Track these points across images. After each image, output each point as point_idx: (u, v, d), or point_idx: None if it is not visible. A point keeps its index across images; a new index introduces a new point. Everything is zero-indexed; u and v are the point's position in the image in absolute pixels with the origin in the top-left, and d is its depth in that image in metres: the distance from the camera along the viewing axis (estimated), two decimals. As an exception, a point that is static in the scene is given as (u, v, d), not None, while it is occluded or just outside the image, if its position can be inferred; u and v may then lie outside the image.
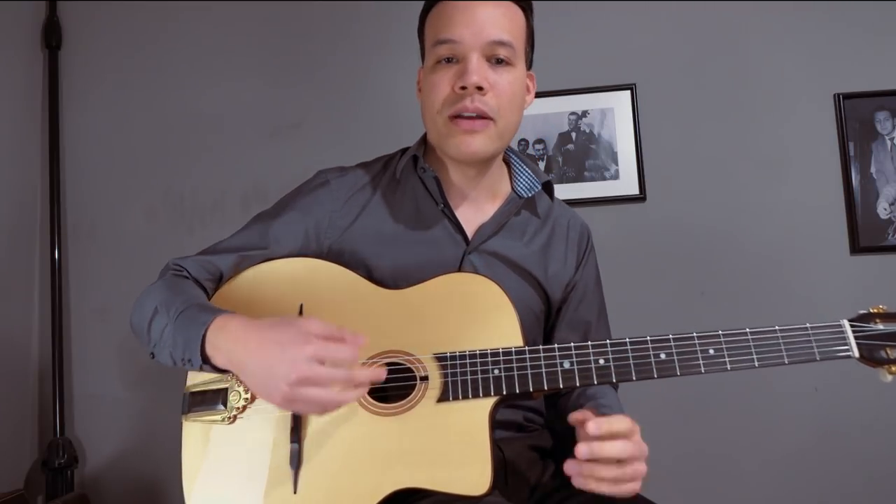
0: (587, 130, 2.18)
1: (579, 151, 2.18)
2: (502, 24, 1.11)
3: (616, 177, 2.16)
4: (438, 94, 1.12)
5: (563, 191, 2.11)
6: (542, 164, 2.17)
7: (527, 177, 1.25)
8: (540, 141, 2.17)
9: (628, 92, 2.17)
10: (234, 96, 2.29)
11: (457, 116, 1.11)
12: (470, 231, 1.21)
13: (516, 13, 1.15)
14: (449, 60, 1.12)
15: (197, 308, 1.00)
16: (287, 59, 2.30)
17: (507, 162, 1.29)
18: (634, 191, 2.15)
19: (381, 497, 0.98)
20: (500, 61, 1.12)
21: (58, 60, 2.32)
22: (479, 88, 1.09)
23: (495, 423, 1.03)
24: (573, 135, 2.18)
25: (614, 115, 2.17)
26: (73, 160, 2.31)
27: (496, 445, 1.09)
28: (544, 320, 1.27)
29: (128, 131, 2.31)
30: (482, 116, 1.11)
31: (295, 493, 1.01)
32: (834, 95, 2.10)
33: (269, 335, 0.92)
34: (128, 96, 2.31)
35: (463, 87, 1.09)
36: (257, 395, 0.94)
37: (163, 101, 2.31)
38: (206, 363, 0.98)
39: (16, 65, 2.23)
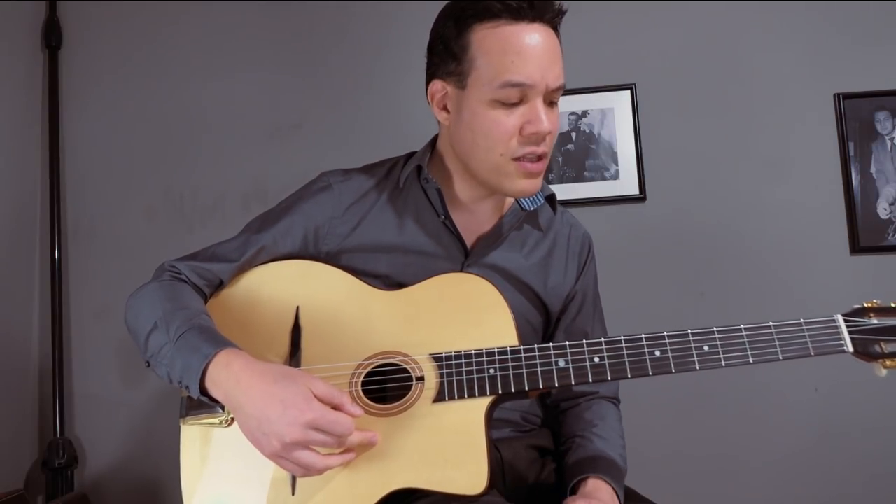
0: (587, 130, 2.18)
1: (579, 151, 2.18)
2: (560, 64, 1.07)
3: (616, 177, 2.16)
4: (502, 136, 1.06)
5: (563, 191, 2.11)
6: (541, 164, 2.17)
7: None
8: (540, 141, 2.17)
9: (628, 92, 2.17)
10: (234, 96, 2.29)
11: (521, 159, 1.08)
12: (470, 242, 1.20)
13: (558, 44, 1.10)
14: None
15: (198, 332, 1.00)
16: (287, 59, 2.30)
17: None
18: (634, 191, 2.14)
19: (378, 498, 0.98)
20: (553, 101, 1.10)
21: (58, 60, 2.32)
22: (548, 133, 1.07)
23: (493, 423, 1.03)
24: (573, 135, 2.18)
25: (614, 115, 2.17)
26: (73, 160, 2.31)
27: (493, 445, 1.10)
28: (542, 331, 1.27)
29: (128, 131, 2.31)
30: (543, 156, 1.10)
31: (293, 494, 1.01)
32: (834, 95, 2.10)
33: (273, 390, 0.92)
34: (128, 96, 2.32)
35: (533, 133, 1.05)
36: (248, 439, 0.95)
37: (163, 101, 2.31)
38: (203, 394, 0.98)
39: (16, 65, 2.23)
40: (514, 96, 1.05)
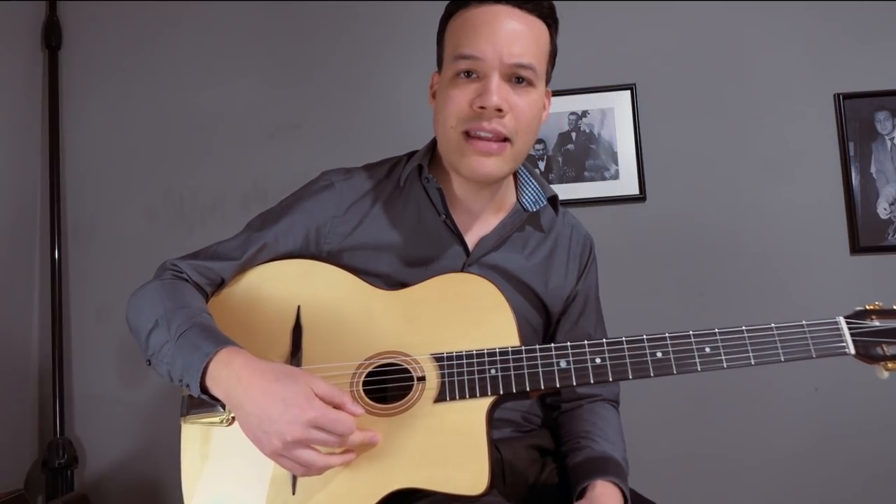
0: (587, 130, 2.18)
1: (579, 151, 2.18)
2: (526, 44, 1.07)
3: (616, 177, 2.16)
4: (454, 109, 1.09)
5: (563, 191, 2.11)
6: (541, 165, 2.17)
7: (533, 190, 1.23)
8: (540, 141, 2.17)
9: (628, 92, 2.17)
10: (234, 96, 2.29)
11: (472, 136, 1.09)
12: (471, 242, 1.20)
13: (542, 31, 1.11)
14: (468, 74, 1.08)
15: (199, 330, 1.00)
16: (287, 59, 2.30)
17: (513, 174, 1.26)
18: (634, 191, 2.14)
19: (379, 497, 0.98)
20: (520, 80, 1.09)
21: (58, 60, 2.32)
22: (499, 110, 1.07)
23: (494, 423, 1.03)
24: (573, 135, 2.18)
25: (614, 115, 2.17)
26: (73, 160, 2.31)
27: (494, 445, 1.10)
28: (543, 332, 1.27)
29: (128, 131, 2.31)
30: (499, 138, 1.09)
31: (294, 494, 1.01)
32: (834, 95, 2.10)
33: (275, 388, 0.92)
34: (128, 96, 2.32)
35: (482, 107, 1.06)
36: (248, 437, 0.95)
37: (163, 102, 2.31)
38: (203, 392, 0.98)
39: (16, 65, 2.23)
40: (464, 67, 1.08)
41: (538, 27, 1.10)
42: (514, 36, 1.07)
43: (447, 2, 1.16)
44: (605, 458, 1.14)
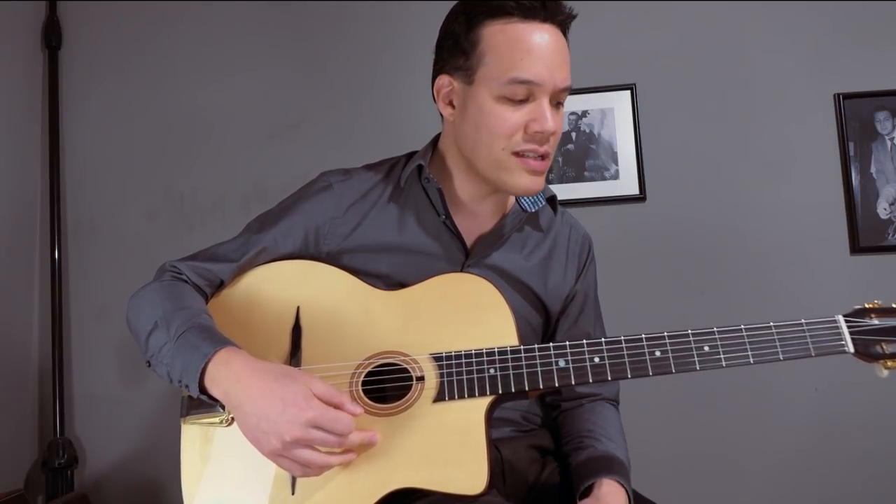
0: (587, 130, 2.18)
1: (579, 151, 2.18)
2: (568, 67, 1.09)
3: (616, 177, 2.16)
4: (506, 132, 1.07)
5: (563, 191, 2.11)
6: (541, 164, 2.17)
7: None
8: (540, 141, 2.17)
9: (628, 92, 2.17)
10: (234, 96, 2.29)
11: (522, 155, 1.09)
12: (470, 243, 1.20)
13: (567, 46, 1.11)
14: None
15: (199, 331, 1.00)
16: (287, 59, 2.30)
17: None
18: (634, 191, 2.14)
19: (378, 497, 0.98)
20: (559, 101, 1.11)
21: (58, 60, 2.32)
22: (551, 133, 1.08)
23: (493, 422, 1.03)
24: (573, 135, 2.18)
25: (614, 115, 2.17)
26: (73, 160, 2.31)
27: (494, 445, 1.10)
28: (542, 332, 1.27)
29: (128, 131, 2.31)
30: (545, 156, 1.11)
31: (293, 494, 1.01)
32: (834, 95, 2.09)
33: (274, 388, 0.92)
34: (128, 96, 2.32)
35: (537, 132, 1.06)
36: (247, 437, 0.95)
37: (163, 101, 2.31)
38: (202, 393, 0.98)
39: (16, 65, 2.23)
40: (521, 93, 1.06)
41: (565, 43, 1.10)
42: (560, 59, 1.07)
43: (455, 1, 1.14)
44: (609, 458, 1.14)
